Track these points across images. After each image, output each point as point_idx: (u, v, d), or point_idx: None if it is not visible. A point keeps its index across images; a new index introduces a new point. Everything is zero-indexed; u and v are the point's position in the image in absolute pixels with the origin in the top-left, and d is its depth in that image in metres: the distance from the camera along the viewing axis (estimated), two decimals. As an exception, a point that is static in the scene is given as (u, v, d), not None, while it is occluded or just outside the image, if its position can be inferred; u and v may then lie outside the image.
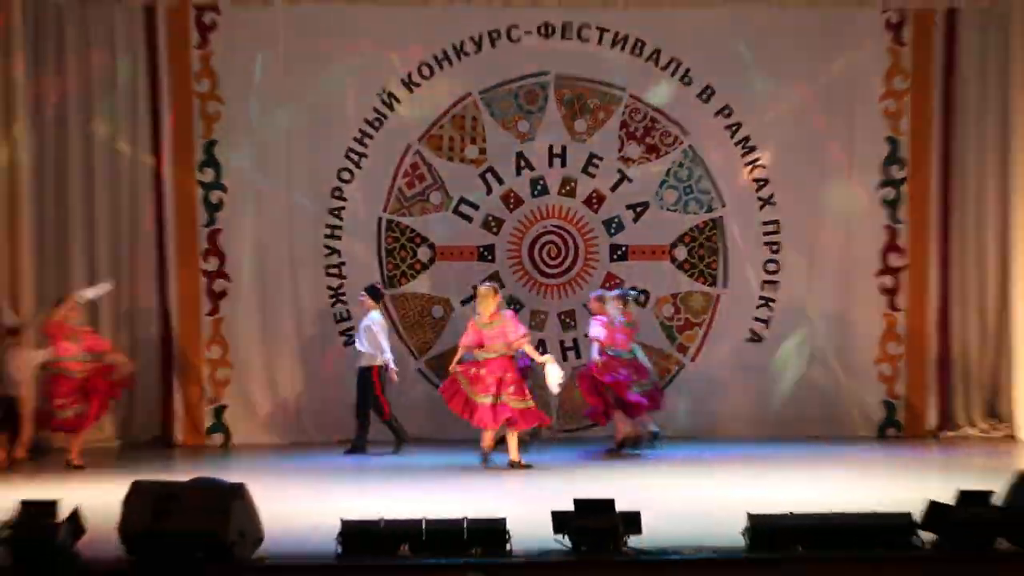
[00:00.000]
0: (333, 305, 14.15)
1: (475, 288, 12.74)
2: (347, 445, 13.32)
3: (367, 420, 13.28)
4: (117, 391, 12.78)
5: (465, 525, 7.97)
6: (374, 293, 13.43)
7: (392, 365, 13.19)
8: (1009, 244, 13.95)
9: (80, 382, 12.39)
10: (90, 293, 13.06)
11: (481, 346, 12.21)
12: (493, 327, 12.18)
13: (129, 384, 13.01)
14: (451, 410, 12.29)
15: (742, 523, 8.08)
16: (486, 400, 12.06)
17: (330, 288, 14.15)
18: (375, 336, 13.14)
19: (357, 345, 13.32)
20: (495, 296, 12.26)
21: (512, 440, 12.13)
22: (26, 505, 8.00)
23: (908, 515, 8.13)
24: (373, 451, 13.16)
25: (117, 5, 13.56)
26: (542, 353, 12.85)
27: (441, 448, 13.19)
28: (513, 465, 12.03)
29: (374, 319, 13.26)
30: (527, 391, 12.27)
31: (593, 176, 14.31)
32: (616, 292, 13.36)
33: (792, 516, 8.15)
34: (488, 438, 12.20)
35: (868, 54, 14.29)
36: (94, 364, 12.51)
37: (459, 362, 12.33)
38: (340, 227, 14.19)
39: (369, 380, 13.21)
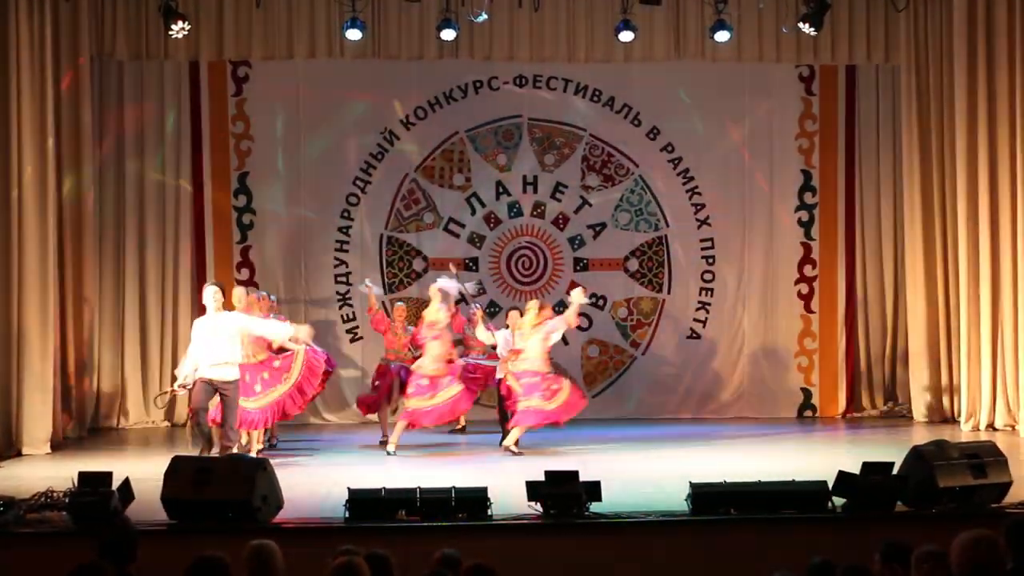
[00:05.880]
0: (340, 308, 13.93)
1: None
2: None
3: None
4: None
5: (453, 494, 7.84)
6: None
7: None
8: (903, 257, 13.80)
9: None
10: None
11: None
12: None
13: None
14: None
15: (685, 491, 7.98)
16: None
17: (338, 294, 13.92)
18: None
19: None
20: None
21: None
22: (83, 476, 7.82)
23: (823, 483, 8.04)
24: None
25: (167, 61, 13.37)
26: None
27: (433, 430, 12.92)
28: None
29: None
30: None
31: (560, 201, 14.13)
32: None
33: (727, 484, 8.06)
34: None
35: (785, 101, 14.16)
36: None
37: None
38: (348, 242, 13.97)
39: None
